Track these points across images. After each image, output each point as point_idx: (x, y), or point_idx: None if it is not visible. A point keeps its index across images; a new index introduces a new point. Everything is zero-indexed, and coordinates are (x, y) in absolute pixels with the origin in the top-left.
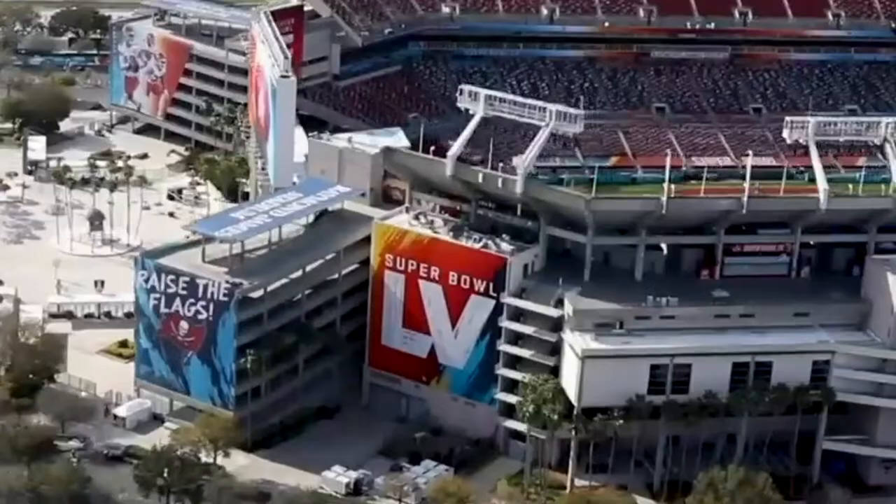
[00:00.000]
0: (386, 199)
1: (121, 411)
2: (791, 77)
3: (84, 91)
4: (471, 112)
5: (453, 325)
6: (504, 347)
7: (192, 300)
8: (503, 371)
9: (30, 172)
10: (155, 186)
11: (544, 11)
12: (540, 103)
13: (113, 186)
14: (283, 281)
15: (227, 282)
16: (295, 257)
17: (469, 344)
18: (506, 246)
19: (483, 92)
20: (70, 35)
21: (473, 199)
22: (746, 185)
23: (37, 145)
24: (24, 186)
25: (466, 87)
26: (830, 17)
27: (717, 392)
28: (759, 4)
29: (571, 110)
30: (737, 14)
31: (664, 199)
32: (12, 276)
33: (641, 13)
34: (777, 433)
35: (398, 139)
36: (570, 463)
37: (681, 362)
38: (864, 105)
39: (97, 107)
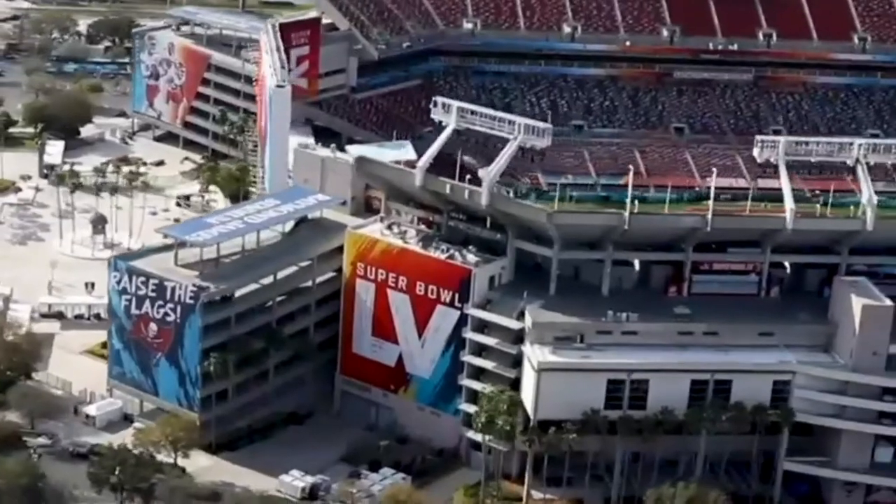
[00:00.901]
0: (368, 208)
1: (91, 410)
2: (815, 100)
3: (112, 98)
4: (443, 124)
5: (420, 334)
6: (468, 358)
7: (160, 302)
8: (467, 382)
9: (45, 176)
10: (167, 193)
11: (566, 29)
12: (509, 116)
13: (114, 191)
14: (253, 286)
15: (193, 285)
16: (267, 263)
17: (435, 354)
18: (471, 257)
19: (455, 104)
20: (106, 43)
21: (445, 210)
22: (711, 204)
23: (54, 150)
24: (37, 189)
25: (440, 99)
26: (856, 40)
27: (675, 409)
28: (783, 27)
29: (539, 124)
30: (761, 36)
31: (626, 214)
32: (11, 277)
33: (664, 33)
34: (741, 452)
35: (406, 152)
36: (526, 475)
37: (638, 378)
38: (888, 130)
39: (122, 114)
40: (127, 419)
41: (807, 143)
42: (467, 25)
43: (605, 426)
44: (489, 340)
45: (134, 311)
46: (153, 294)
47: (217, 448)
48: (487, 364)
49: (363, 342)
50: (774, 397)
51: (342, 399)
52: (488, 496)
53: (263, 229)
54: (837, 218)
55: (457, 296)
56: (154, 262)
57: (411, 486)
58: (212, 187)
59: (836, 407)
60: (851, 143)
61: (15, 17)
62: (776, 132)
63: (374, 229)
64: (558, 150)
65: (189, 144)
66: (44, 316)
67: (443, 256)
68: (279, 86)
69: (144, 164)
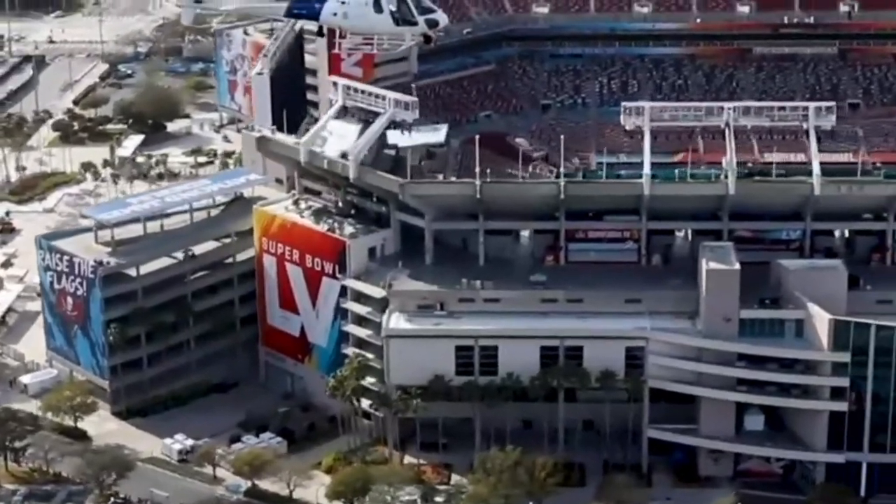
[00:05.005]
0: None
1: (25, 379)
2: None
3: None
4: (333, 101)
5: (313, 305)
6: (347, 328)
7: (72, 277)
8: (350, 350)
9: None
10: None
11: (636, 9)
12: (382, 92)
13: (133, 178)
14: (167, 260)
15: (94, 260)
16: (183, 240)
17: (327, 324)
18: (349, 229)
19: (342, 82)
20: None
21: (342, 185)
22: (562, 172)
23: (130, 143)
24: (102, 180)
25: (332, 78)
26: None
27: (522, 375)
28: None
29: (407, 98)
30: (841, 7)
31: (478, 183)
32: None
33: (739, 8)
34: (616, 420)
35: (439, 135)
36: (389, 439)
37: (486, 344)
38: None
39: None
40: None
41: (675, 109)
42: (537, 10)
43: (442, 391)
44: (362, 310)
45: (56, 286)
46: (67, 270)
47: (130, 414)
48: (362, 332)
49: (275, 314)
50: (629, 364)
51: (266, 369)
52: (358, 460)
53: (176, 208)
54: (697, 183)
55: (336, 267)
56: (77, 242)
57: (268, 450)
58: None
59: (694, 374)
60: (721, 107)
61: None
62: (852, 106)
63: (279, 206)
64: (617, 130)
65: None
66: (39, 294)
67: (324, 229)
68: (259, 73)
69: (215, 154)
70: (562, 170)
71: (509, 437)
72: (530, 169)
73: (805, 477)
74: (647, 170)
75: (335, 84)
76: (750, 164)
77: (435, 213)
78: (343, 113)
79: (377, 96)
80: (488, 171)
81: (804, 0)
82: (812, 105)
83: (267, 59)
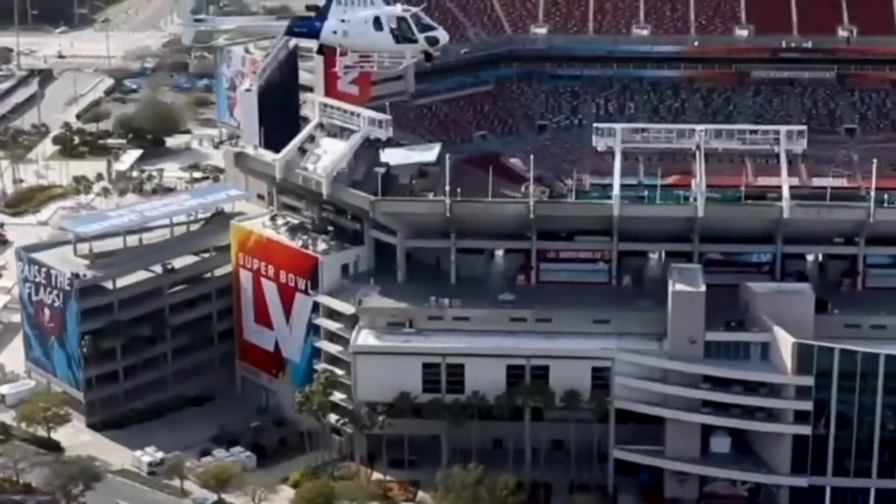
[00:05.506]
0: None
1: (3, 390)
2: None
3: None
4: (308, 119)
5: (287, 320)
6: (318, 343)
7: (49, 289)
8: (322, 365)
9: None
10: None
11: (635, 31)
12: (357, 109)
13: (125, 192)
14: (145, 273)
15: (71, 273)
16: (163, 253)
17: (300, 339)
18: (322, 246)
19: (319, 99)
20: None
21: (317, 201)
22: (532, 190)
23: (128, 158)
24: (97, 194)
25: (308, 96)
26: None
27: (488, 393)
28: (865, 23)
29: (381, 116)
30: (840, 32)
31: (447, 202)
32: None
33: (737, 32)
34: (584, 440)
35: (431, 154)
36: (357, 455)
37: (453, 362)
38: None
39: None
40: None
41: (647, 131)
42: (536, 31)
43: (408, 408)
44: (333, 326)
45: (34, 297)
46: (44, 281)
47: (105, 426)
48: (333, 349)
49: (250, 329)
50: (596, 384)
51: (242, 384)
52: (327, 475)
53: (155, 222)
54: (667, 205)
55: (309, 283)
56: (55, 254)
57: (236, 464)
58: None
59: (660, 395)
60: (693, 130)
61: None
62: (849, 131)
63: (256, 221)
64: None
65: None
66: None
67: (298, 245)
68: (246, 90)
69: (212, 169)
70: (531, 188)
71: (477, 455)
72: (522, 189)
73: (770, 500)
74: (616, 191)
75: (311, 102)
76: (742, 188)
77: (407, 231)
78: (324, 130)
79: (352, 113)
80: (458, 190)
81: (803, 25)
82: (783, 129)
83: (256, 76)
